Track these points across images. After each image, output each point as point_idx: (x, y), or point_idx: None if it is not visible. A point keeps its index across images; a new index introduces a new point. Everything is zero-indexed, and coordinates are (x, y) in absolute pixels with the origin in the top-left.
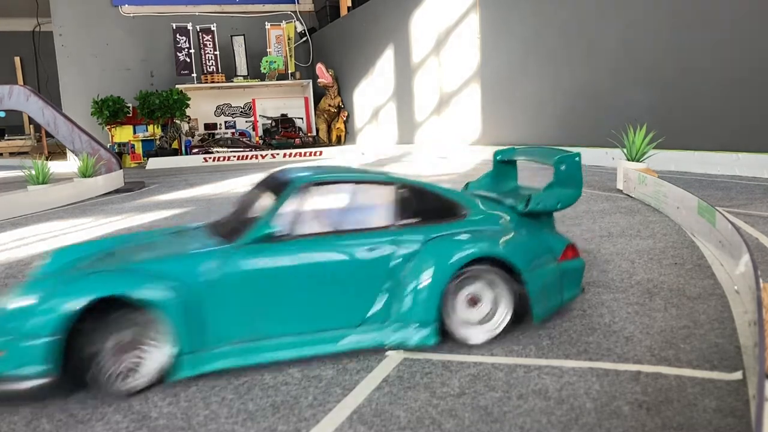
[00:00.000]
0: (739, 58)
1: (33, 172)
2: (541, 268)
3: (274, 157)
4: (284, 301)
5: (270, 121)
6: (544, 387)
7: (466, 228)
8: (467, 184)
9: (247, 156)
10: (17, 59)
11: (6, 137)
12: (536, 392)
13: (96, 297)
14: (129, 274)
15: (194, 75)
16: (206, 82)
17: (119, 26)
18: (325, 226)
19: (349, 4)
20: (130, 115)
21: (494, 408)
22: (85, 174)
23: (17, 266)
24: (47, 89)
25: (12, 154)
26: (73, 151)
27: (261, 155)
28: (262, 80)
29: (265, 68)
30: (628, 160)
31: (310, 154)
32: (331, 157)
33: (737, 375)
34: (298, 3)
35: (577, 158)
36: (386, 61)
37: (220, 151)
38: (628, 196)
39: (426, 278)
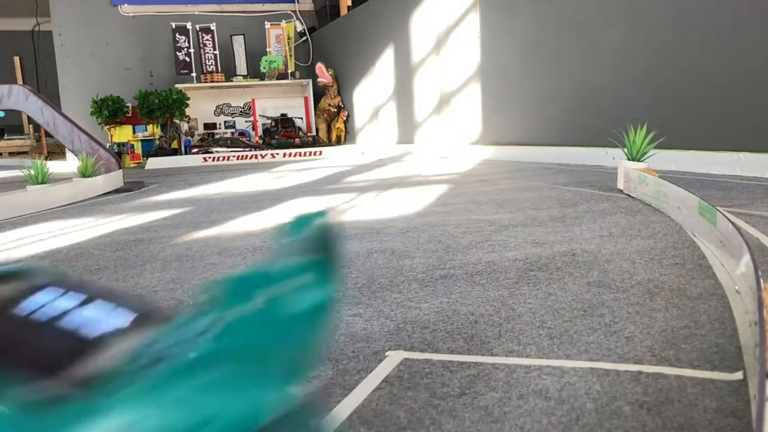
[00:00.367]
0: (739, 58)
1: (32, 172)
2: None
3: (273, 156)
4: None
5: (270, 121)
6: (544, 387)
7: None
8: None
9: (246, 156)
10: (16, 59)
11: (5, 137)
12: (537, 392)
13: None
14: None
15: (194, 75)
16: (206, 82)
17: (119, 26)
18: None
19: (349, 4)
20: (130, 114)
21: (494, 408)
22: (84, 174)
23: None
24: (46, 89)
25: (11, 153)
26: (72, 151)
27: (261, 155)
28: (261, 80)
29: (264, 68)
30: (629, 159)
31: (310, 154)
32: (331, 156)
33: (738, 375)
34: (297, 2)
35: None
36: (386, 61)
37: (220, 151)
38: (629, 195)
39: None
